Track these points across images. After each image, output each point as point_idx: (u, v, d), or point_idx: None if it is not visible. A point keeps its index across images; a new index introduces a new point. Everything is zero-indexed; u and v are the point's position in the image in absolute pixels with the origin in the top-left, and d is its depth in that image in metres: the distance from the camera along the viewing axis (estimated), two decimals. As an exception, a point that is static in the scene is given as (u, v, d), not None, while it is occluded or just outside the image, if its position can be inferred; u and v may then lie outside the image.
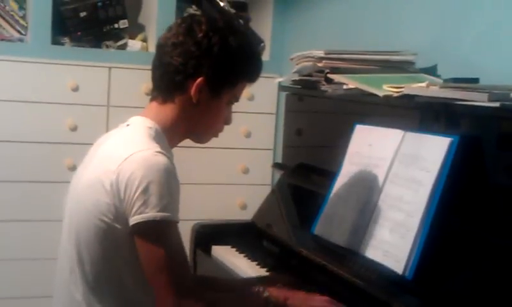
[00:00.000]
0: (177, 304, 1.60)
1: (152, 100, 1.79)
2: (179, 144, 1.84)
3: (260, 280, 1.98)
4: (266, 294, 1.79)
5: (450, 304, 1.60)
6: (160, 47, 1.76)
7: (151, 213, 1.58)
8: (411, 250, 1.70)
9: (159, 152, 1.62)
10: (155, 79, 1.78)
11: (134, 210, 1.59)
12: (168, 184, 1.60)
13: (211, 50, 1.69)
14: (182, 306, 1.60)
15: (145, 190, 1.57)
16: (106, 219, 1.62)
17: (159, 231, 1.60)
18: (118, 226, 1.62)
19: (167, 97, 1.74)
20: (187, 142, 1.85)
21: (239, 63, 1.74)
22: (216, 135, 1.85)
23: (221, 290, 1.95)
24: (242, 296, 1.84)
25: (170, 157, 1.68)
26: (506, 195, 1.64)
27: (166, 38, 1.75)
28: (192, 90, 1.71)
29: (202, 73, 1.70)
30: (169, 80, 1.73)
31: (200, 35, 1.70)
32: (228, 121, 1.84)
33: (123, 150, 1.64)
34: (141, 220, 1.58)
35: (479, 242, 1.65)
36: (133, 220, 1.59)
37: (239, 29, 1.79)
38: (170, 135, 1.76)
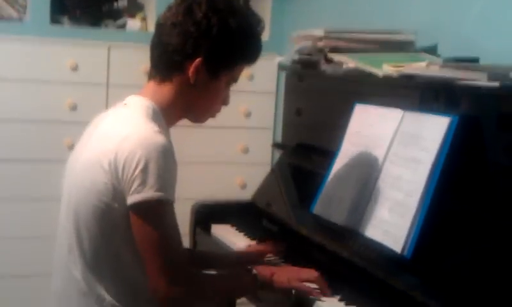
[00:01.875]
0: (167, 288, 1.62)
1: (149, 79, 1.78)
2: (179, 124, 1.84)
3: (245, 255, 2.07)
4: (254, 272, 1.82)
5: (449, 283, 1.61)
6: (159, 26, 1.75)
7: (149, 193, 1.58)
8: (410, 229, 1.71)
9: (158, 131, 1.63)
10: (153, 58, 1.77)
11: (133, 188, 1.59)
12: (166, 164, 1.60)
13: (210, 32, 1.69)
14: (172, 290, 1.63)
15: (144, 170, 1.58)
16: (104, 199, 1.63)
17: (155, 211, 1.61)
18: (116, 205, 1.63)
19: (165, 77, 1.74)
20: (187, 121, 1.85)
21: (238, 45, 1.73)
22: (214, 116, 1.85)
23: (212, 264, 2.03)
24: (231, 276, 1.90)
25: (168, 137, 1.68)
26: (505, 174, 1.64)
27: (166, 17, 1.74)
28: (190, 71, 1.70)
29: (200, 54, 1.69)
30: (167, 60, 1.72)
31: (200, 15, 1.69)
32: (225, 102, 1.83)
33: (122, 130, 1.64)
34: (139, 199, 1.59)
35: (477, 222, 1.66)
36: (131, 199, 1.60)
37: (239, 10, 1.77)
38: (167, 115, 1.76)
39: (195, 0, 1.72)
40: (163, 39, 1.72)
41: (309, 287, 1.79)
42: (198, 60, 1.69)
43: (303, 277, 1.81)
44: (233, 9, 1.74)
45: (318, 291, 1.79)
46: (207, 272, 1.91)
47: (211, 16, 1.69)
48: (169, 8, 1.75)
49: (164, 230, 1.62)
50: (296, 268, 1.88)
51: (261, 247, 2.18)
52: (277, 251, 2.13)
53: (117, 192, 1.62)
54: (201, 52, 1.69)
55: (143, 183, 1.58)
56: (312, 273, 1.82)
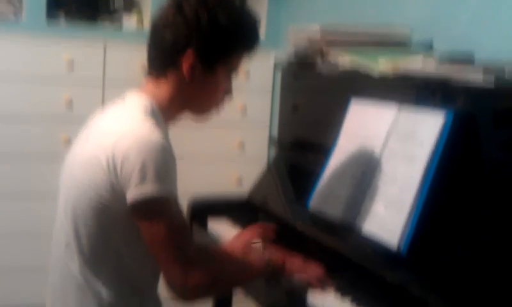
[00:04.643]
0: (184, 276, 1.61)
1: (147, 76, 1.79)
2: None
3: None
4: (267, 257, 1.82)
5: (444, 278, 1.62)
6: (153, 26, 1.76)
7: (149, 191, 1.58)
8: (405, 225, 1.72)
9: (154, 129, 1.62)
10: (149, 58, 1.78)
11: (132, 187, 1.58)
12: (164, 160, 1.60)
13: (199, 26, 1.68)
14: (189, 278, 1.61)
15: (142, 168, 1.57)
16: (103, 196, 1.63)
17: (158, 208, 1.61)
18: (115, 202, 1.63)
19: (160, 74, 1.74)
20: (183, 118, 1.86)
21: (230, 37, 1.72)
22: (218, 109, 1.83)
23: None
24: (245, 261, 1.85)
25: (165, 134, 1.68)
26: (500, 170, 1.65)
27: (158, 17, 1.74)
28: (184, 66, 1.70)
29: (192, 48, 1.69)
30: (162, 59, 1.73)
31: (189, 12, 1.68)
32: (228, 93, 1.81)
33: (119, 127, 1.64)
34: (140, 197, 1.58)
35: (472, 217, 1.67)
36: (131, 197, 1.59)
37: (228, 2, 1.75)
38: (166, 112, 1.75)
39: None
40: (157, 37, 1.73)
41: (314, 280, 1.80)
42: (190, 54, 1.69)
43: (309, 272, 1.82)
44: (222, 3, 1.73)
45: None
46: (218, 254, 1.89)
47: (200, 11, 1.68)
48: (162, 8, 1.75)
49: (169, 225, 1.62)
50: (304, 263, 1.86)
51: (248, 234, 2.16)
52: (266, 237, 2.12)
53: (115, 190, 1.62)
54: (193, 45, 1.68)
55: (142, 181, 1.58)
56: (318, 270, 1.83)
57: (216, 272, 1.70)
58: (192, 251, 1.65)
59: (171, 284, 1.63)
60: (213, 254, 1.85)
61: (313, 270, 1.83)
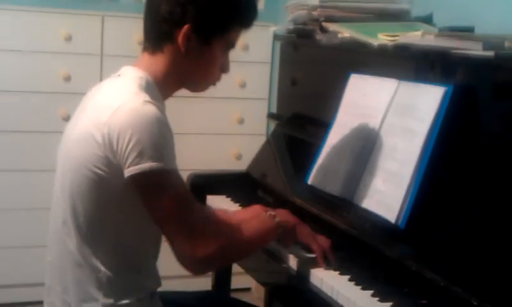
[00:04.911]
0: (193, 248, 1.58)
1: (143, 50, 1.76)
2: (173, 95, 1.82)
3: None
4: (277, 219, 1.80)
5: (442, 253, 1.62)
6: None
7: (147, 165, 1.56)
8: (404, 199, 1.71)
9: (148, 102, 1.60)
10: (145, 29, 1.75)
11: (129, 161, 1.56)
12: (160, 133, 1.58)
13: None
14: (199, 249, 1.59)
15: (138, 141, 1.55)
16: (99, 171, 1.61)
17: (158, 181, 1.59)
18: (112, 177, 1.61)
19: (156, 48, 1.72)
20: (182, 92, 1.84)
21: (227, 9, 1.70)
22: (214, 84, 1.82)
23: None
24: (255, 225, 1.80)
25: (161, 107, 1.66)
26: (499, 143, 1.64)
27: None
28: (180, 39, 1.68)
29: (188, 21, 1.67)
30: (157, 30, 1.70)
31: None
32: (224, 69, 1.79)
33: (113, 101, 1.61)
34: (138, 172, 1.56)
35: (471, 191, 1.66)
36: (129, 172, 1.57)
37: None
38: (162, 86, 1.73)
39: None
40: (153, 9, 1.70)
41: (320, 255, 1.80)
42: (186, 27, 1.67)
43: (317, 242, 1.82)
44: None
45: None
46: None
47: None
48: None
49: (172, 196, 1.59)
50: (313, 232, 1.86)
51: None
52: None
53: (112, 165, 1.60)
54: (189, 19, 1.66)
55: (139, 155, 1.55)
56: (326, 241, 1.83)
57: (225, 240, 1.66)
58: (198, 222, 1.62)
59: (181, 258, 1.60)
60: (221, 222, 1.82)
61: (321, 240, 1.83)
